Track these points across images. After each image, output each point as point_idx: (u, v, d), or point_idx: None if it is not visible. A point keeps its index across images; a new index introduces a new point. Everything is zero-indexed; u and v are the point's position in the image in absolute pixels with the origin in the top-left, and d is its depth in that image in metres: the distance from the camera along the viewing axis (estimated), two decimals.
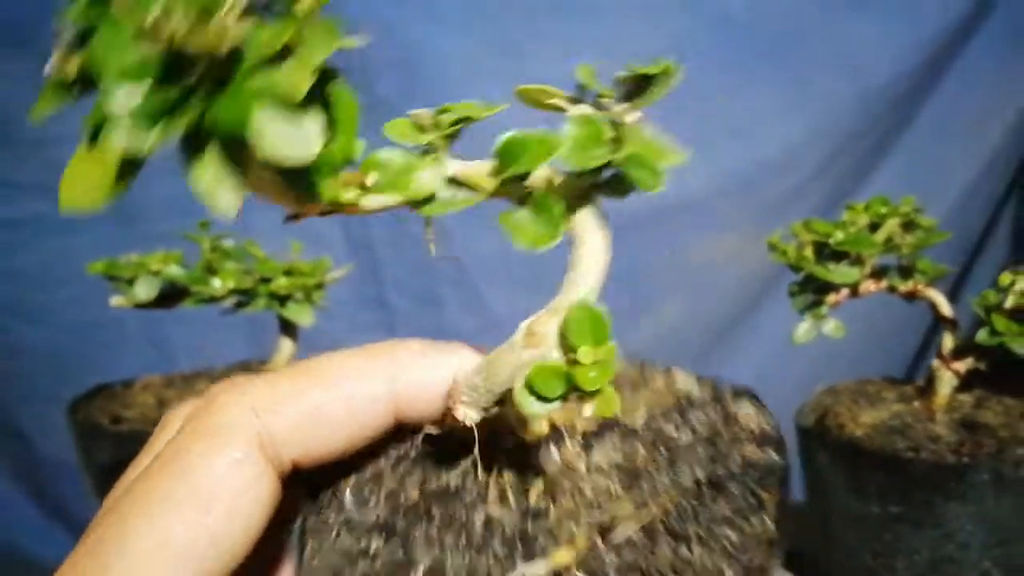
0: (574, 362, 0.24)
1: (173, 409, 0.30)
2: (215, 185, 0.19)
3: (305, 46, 0.18)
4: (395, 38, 1.34)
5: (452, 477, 0.28)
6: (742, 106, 1.35)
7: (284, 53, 0.18)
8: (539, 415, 0.25)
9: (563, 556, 0.24)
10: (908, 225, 0.63)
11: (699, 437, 0.29)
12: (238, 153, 0.18)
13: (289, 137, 0.18)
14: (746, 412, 0.30)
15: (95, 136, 0.18)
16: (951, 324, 0.64)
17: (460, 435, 0.27)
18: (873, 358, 1.62)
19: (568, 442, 0.29)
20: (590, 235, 0.26)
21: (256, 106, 0.18)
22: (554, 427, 0.29)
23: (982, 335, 0.60)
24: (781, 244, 0.63)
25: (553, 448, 0.28)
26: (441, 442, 0.28)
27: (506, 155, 0.24)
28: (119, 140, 0.18)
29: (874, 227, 0.61)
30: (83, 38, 0.18)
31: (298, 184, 0.20)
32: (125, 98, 0.17)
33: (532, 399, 0.24)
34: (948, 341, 0.64)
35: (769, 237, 0.65)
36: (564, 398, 0.24)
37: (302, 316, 0.70)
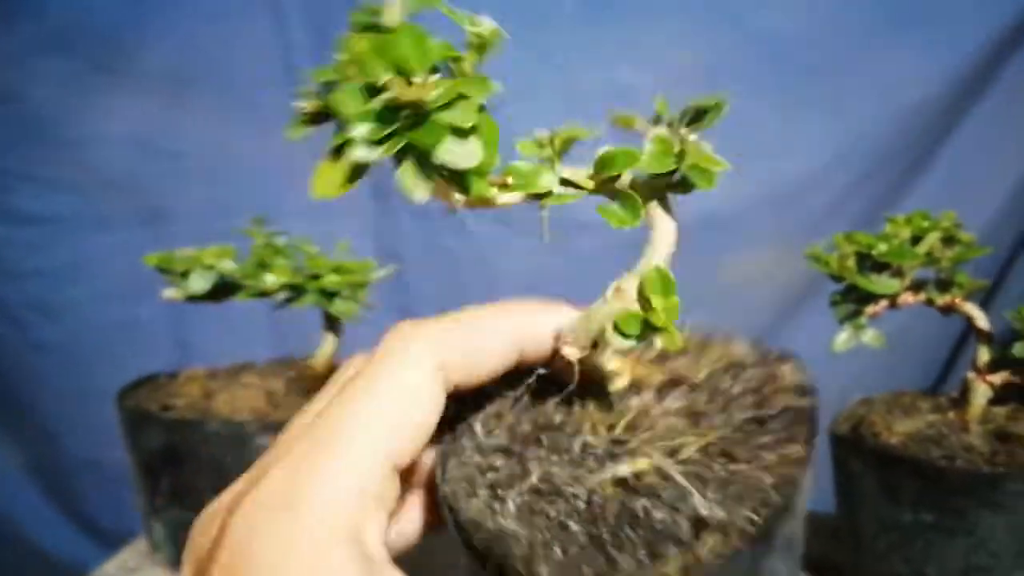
0: (649, 309, 0.34)
1: (348, 360, 0.39)
2: (413, 183, 0.29)
3: (469, 94, 0.29)
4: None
5: (556, 414, 0.38)
6: (777, 124, 1.38)
7: (457, 98, 0.28)
8: (625, 348, 0.35)
9: (641, 464, 0.34)
10: (948, 239, 0.65)
11: (748, 388, 0.39)
12: (427, 164, 0.29)
13: (461, 153, 0.29)
14: (786, 370, 0.40)
15: (337, 152, 0.29)
16: (987, 337, 0.66)
17: (562, 379, 0.37)
18: (903, 371, 1.63)
19: (644, 393, 0.39)
20: (660, 220, 0.37)
21: (443, 135, 0.28)
22: (633, 383, 0.39)
23: (1019, 348, 0.63)
24: (824, 255, 0.66)
25: (634, 397, 0.39)
26: (546, 386, 0.38)
27: (602, 163, 0.34)
28: (355, 155, 0.28)
29: (915, 240, 0.64)
30: (324, 88, 0.29)
31: (464, 184, 0.30)
32: (358, 131, 0.28)
33: (619, 337, 0.34)
34: (984, 354, 0.66)
35: (808, 249, 0.68)
36: (642, 337, 0.34)
37: (348, 313, 0.73)
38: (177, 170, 1.45)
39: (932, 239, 0.62)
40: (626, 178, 0.35)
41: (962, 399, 0.67)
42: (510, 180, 0.33)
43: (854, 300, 0.64)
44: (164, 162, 1.44)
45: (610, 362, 0.40)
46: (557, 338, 0.37)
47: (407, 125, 0.28)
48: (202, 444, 0.68)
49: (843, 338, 0.65)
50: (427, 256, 1.47)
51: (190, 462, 0.69)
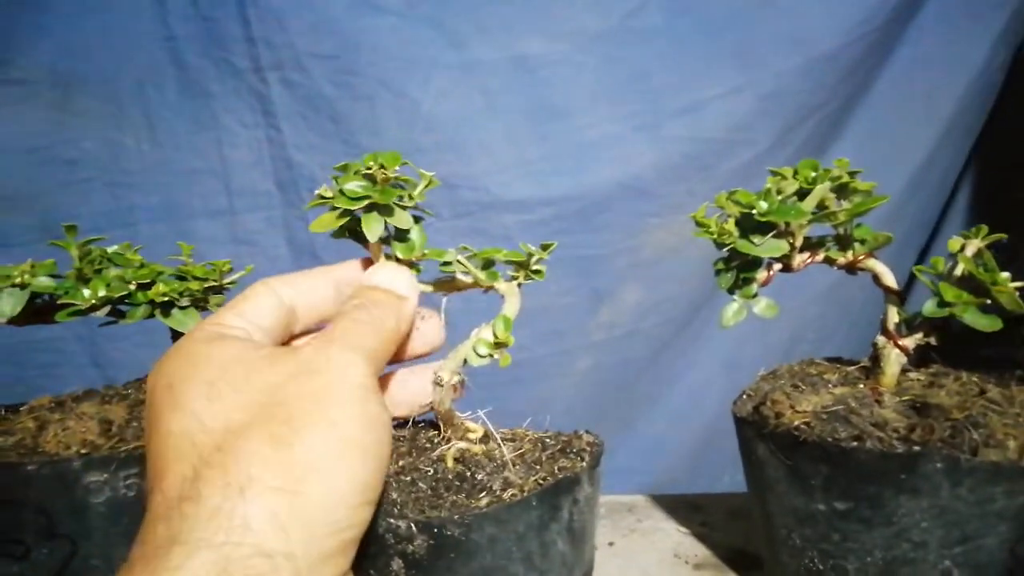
0: (496, 338, 0.54)
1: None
2: (375, 226, 0.51)
3: (413, 195, 0.54)
4: (332, 32, 1.26)
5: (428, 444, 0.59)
6: (689, 84, 1.28)
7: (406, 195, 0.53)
8: (479, 364, 0.55)
9: (475, 448, 0.58)
10: (842, 190, 0.55)
11: (560, 441, 0.60)
12: (386, 215, 0.51)
13: (403, 217, 0.52)
14: (586, 436, 0.61)
15: (333, 208, 0.50)
16: (896, 296, 0.56)
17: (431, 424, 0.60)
18: (840, 336, 1.55)
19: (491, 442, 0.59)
20: (511, 293, 0.57)
21: (394, 199, 0.51)
22: (483, 439, 0.59)
23: (929, 307, 0.53)
24: (704, 219, 0.56)
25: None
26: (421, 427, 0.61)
27: (484, 256, 0.56)
28: (342, 204, 0.49)
29: (803, 196, 0.54)
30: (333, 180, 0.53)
31: (401, 240, 0.53)
32: (351, 190, 0.50)
33: (475, 356, 0.55)
34: (893, 315, 0.56)
35: (694, 212, 0.58)
36: (490, 356, 0.55)
37: (187, 324, 0.62)
38: (73, 178, 1.32)
39: (821, 192, 0.52)
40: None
41: (874, 367, 0.57)
42: (426, 252, 0.54)
43: (740, 267, 0.54)
44: (58, 170, 1.32)
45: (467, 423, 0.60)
46: (434, 371, 0.55)
47: (377, 192, 0.50)
48: (23, 486, 0.57)
49: (732, 310, 0.55)
50: (341, 245, 1.36)
51: (10, 507, 0.58)
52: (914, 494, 0.49)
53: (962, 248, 0.55)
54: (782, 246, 0.52)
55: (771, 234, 0.52)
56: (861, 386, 0.57)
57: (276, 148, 1.32)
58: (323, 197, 0.51)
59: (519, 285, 0.59)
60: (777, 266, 0.55)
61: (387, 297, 0.51)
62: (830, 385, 0.58)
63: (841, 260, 0.56)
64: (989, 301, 0.52)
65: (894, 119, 1.37)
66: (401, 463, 0.58)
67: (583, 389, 1.42)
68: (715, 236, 0.53)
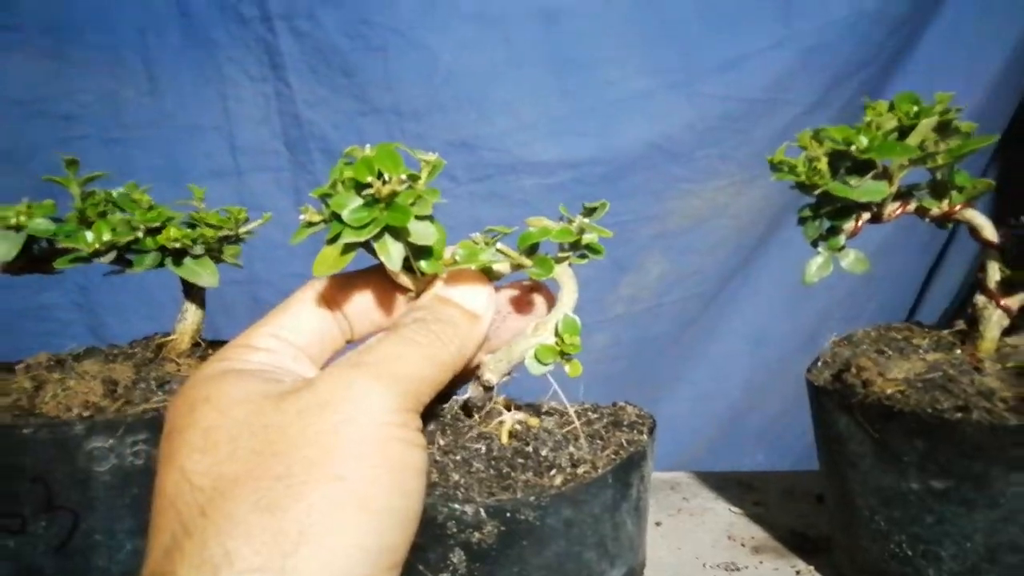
0: (563, 344, 0.44)
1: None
2: (393, 252, 0.39)
3: (426, 197, 0.40)
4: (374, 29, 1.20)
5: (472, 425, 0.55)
6: (727, 37, 1.21)
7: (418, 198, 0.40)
8: (541, 372, 0.44)
9: (532, 420, 0.56)
10: (943, 129, 0.50)
11: (605, 413, 0.59)
12: (399, 239, 0.40)
13: (423, 232, 0.39)
14: (630, 409, 0.60)
15: (334, 239, 0.39)
16: (998, 251, 0.51)
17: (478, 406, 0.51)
18: (867, 315, 1.50)
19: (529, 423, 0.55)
20: (567, 278, 0.44)
21: (409, 216, 0.39)
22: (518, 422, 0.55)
23: None
24: (788, 160, 0.50)
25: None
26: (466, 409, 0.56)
27: (524, 239, 0.43)
28: (347, 237, 0.38)
29: (903, 133, 0.48)
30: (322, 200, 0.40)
31: (425, 256, 0.41)
32: (349, 218, 0.38)
33: (536, 363, 0.44)
34: (995, 272, 0.51)
35: (772, 155, 0.52)
36: (552, 364, 0.45)
37: (201, 275, 0.57)
38: (69, 134, 1.26)
39: (925, 128, 0.47)
40: (540, 250, 0.44)
41: (971, 330, 0.52)
42: (458, 256, 0.42)
43: (830, 214, 0.49)
44: (53, 126, 1.25)
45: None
46: (478, 367, 0.45)
47: (383, 211, 0.39)
48: (18, 452, 0.52)
49: (818, 264, 0.50)
50: None
51: (4, 476, 0.53)
52: None
53: None
54: (882, 188, 0.46)
55: (870, 175, 0.46)
56: (958, 352, 0.51)
57: (284, 103, 1.26)
58: (310, 223, 0.41)
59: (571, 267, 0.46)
60: (866, 215, 0.50)
61: (459, 314, 0.41)
62: (921, 351, 0.52)
63: (935, 210, 0.51)
64: None
65: (939, 78, 1.30)
66: (442, 441, 0.53)
67: (600, 367, 1.36)
68: (803, 178, 0.47)
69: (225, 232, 0.60)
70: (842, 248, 0.49)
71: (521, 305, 0.46)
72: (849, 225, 0.50)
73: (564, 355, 0.45)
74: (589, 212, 0.46)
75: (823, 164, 0.46)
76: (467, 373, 0.46)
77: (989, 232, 0.51)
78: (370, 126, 1.24)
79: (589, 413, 0.59)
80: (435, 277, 0.42)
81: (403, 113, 1.24)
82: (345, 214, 0.39)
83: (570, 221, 0.45)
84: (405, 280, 0.42)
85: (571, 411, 0.56)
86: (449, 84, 1.23)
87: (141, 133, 1.27)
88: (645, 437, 0.54)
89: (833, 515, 0.56)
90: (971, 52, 1.33)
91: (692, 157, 1.25)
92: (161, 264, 0.56)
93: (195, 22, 1.22)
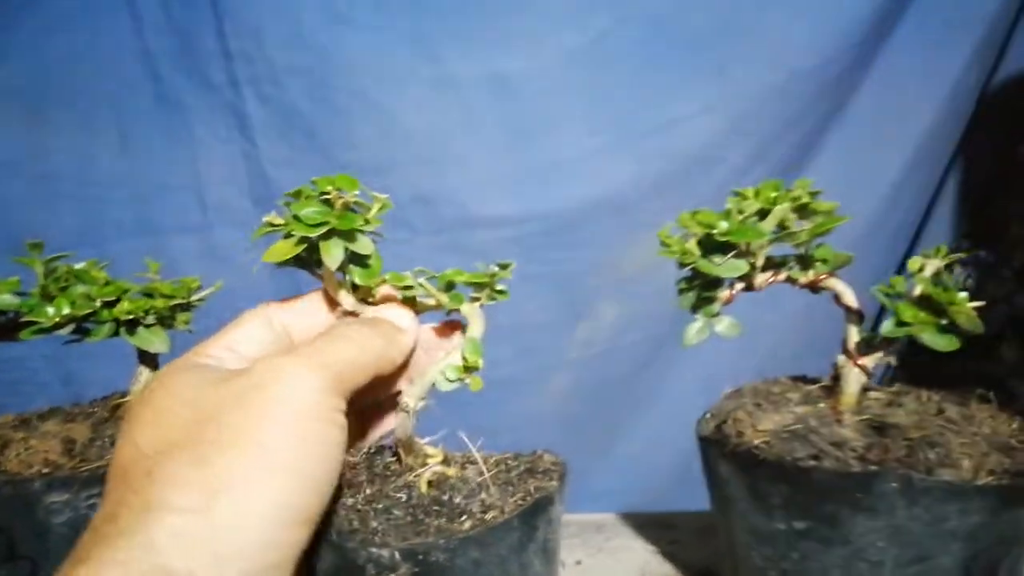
0: (466, 362, 0.54)
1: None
2: (335, 253, 0.48)
3: (372, 221, 0.51)
4: (308, 47, 1.27)
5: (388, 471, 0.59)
6: (665, 101, 1.29)
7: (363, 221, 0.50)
8: (449, 388, 0.54)
9: (449, 471, 0.58)
10: (803, 210, 0.57)
11: (523, 461, 0.62)
12: (347, 241, 0.49)
13: (363, 243, 0.50)
14: (547, 456, 0.62)
15: (288, 236, 0.48)
16: (857, 316, 0.58)
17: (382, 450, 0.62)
18: (815, 354, 1.57)
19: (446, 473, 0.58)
20: (475, 316, 0.55)
21: (357, 226, 0.49)
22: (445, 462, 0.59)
23: (888, 326, 0.54)
24: (669, 238, 0.57)
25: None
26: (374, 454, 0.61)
27: (442, 278, 0.55)
28: (300, 231, 0.47)
29: (765, 215, 0.56)
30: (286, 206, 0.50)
31: (363, 265, 0.52)
32: (309, 216, 0.47)
33: (444, 380, 0.54)
34: (854, 335, 0.58)
35: (660, 231, 0.59)
36: (460, 380, 0.54)
37: (153, 343, 0.63)
38: (45, 193, 1.33)
39: (781, 212, 0.54)
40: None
41: (835, 386, 0.59)
42: (387, 277, 0.53)
43: (702, 286, 0.56)
44: (29, 184, 1.32)
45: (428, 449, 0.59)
46: (398, 393, 0.55)
47: (335, 217, 0.48)
48: None
49: (695, 329, 0.56)
50: None
51: None
52: (870, 513, 0.51)
53: (921, 268, 0.57)
54: (742, 266, 0.53)
55: (731, 254, 0.53)
56: (822, 405, 0.58)
57: (252, 163, 1.32)
58: (272, 224, 0.50)
59: (481, 306, 0.59)
60: (740, 285, 0.57)
61: (388, 325, 0.50)
62: (792, 404, 0.59)
63: (803, 279, 0.58)
64: (946, 321, 0.53)
65: (870, 136, 1.39)
66: (368, 491, 0.58)
67: (560, 407, 1.43)
68: (677, 255, 0.54)
69: (178, 300, 0.66)
70: (716, 315, 0.56)
71: (441, 340, 0.56)
72: (724, 294, 0.57)
73: (468, 370, 0.55)
74: (503, 267, 0.57)
75: (692, 244, 0.53)
76: (390, 401, 0.55)
77: (849, 298, 0.58)
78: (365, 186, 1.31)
79: (509, 461, 0.64)
80: (365, 300, 0.53)
81: (364, 169, 1.31)
82: (302, 213, 0.48)
83: (490, 273, 0.57)
84: (341, 293, 0.53)
85: (481, 462, 0.61)
86: (407, 143, 1.31)
87: (114, 192, 1.33)
88: (554, 483, 0.59)
89: (723, 553, 0.62)
90: (905, 103, 1.41)
91: (637, 210, 1.33)
92: (116, 333, 0.62)
93: (166, 87, 1.29)
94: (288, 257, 0.50)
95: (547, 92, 1.30)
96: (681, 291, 0.56)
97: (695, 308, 0.56)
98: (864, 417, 0.56)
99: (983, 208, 1.50)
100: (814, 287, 0.58)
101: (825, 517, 0.52)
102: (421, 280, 0.56)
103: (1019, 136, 1.44)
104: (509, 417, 1.37)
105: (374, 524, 0.54)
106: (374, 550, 0.51)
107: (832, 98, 1.35)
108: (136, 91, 1.29)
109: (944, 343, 0.53)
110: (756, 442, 0.54)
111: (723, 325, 0.56)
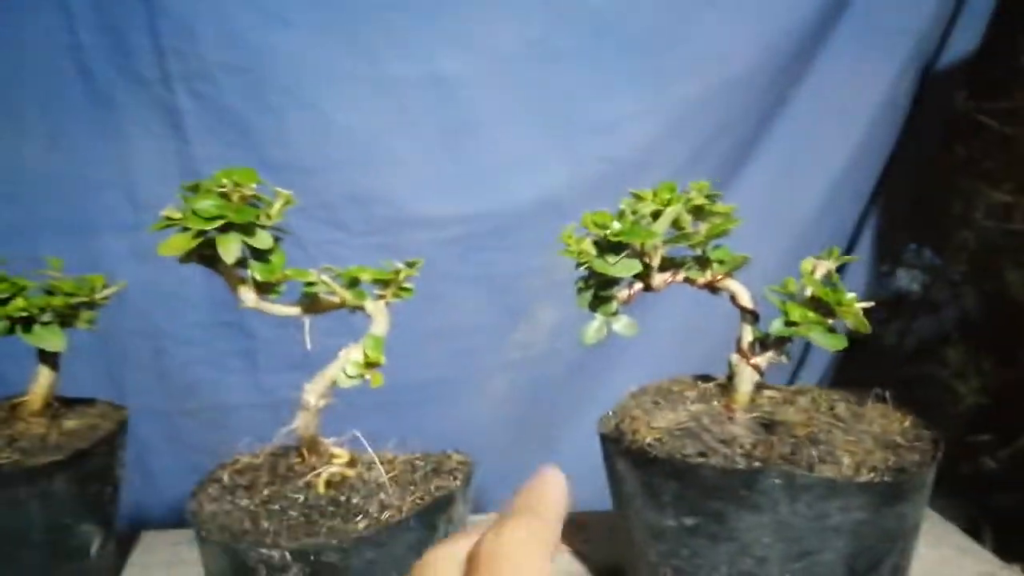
0: (367, 358, 0.55)
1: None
2: (232, 247, 0.50)
3: (273, 216, 0.54)
4: (242, 45, 1.27)
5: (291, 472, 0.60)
6: (603, 104, 1.30)
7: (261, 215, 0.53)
8: (349, 384, 0.55)
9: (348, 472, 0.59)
10: (699, 212, 0.58)
11: (430, 461, 0.63)
12: (245, 235, 0.51)
13: (263, 238, 0.52)
14: (455, 455, 0.64)
15: (185, 228, 0.50)
16: (751, 316, 0.59)
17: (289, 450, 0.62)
18: None
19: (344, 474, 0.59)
20: (379, 313, 0.57)
21: (254, 220, 0.51)
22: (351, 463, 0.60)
23: (777, 326, 0.56)
24: (570, 237, 0.58)
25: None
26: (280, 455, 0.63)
27: (345, 275, 0.58)
28: (196, 225, 0.49)
29: (659, 216, 0.56)
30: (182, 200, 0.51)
31: (262, 259, 0.53)
32: (204, 209, 0.49)
33: (344, 376, 0.55)
34: (747, 334, 0.59)
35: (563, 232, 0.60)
36: (360, 376, 0.55)
37: (48, 341, 0.62)
38: None
39: (673, 213, 0.55)
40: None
41: (730, 384, 0.60)
42: (288, 272, 0.54)
43: (598, 285, 0.56)
44: None
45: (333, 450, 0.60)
46: (304, 393, 0.56)
47: (233, 211, 0.49)
48: None
49: (593, 328, 0.57)
50: None
51: None
52: (755, 510, 0.52)
53: (812, 270, 0.58)
54: (634, 265, 0.54)
55: (624, 254, 0.54)
56: (716, 403, 0.59)
57: (184, 161, 1.31)
58: (170, 219, 0.50)
59: (387, 304, 0.59)
60: (638, 285, 0.58)
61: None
62: (688, 402, 0.60)
63: (700, 280, 0.59)
64: (832, 321, 0.54)
65: (808, 138, 1.41)
66: (266, 492, 0.58)
67: (497, 409, 1.43)
68: (574, 255, 0.55)
69: (80, 299, 0.65)
70: (615, 313, 0.57)
71: None
72: (623, 294, 0.58)
73: (369, 366, 0.55)
74: (410, 265, 0.58)
75: (588, 244, 0.54)
76: None
77: (744, 299, 0.59)
78: (266, 181, 1.30)
79: (416, 462, 0.64)
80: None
81: (297, 169, 1.30)
82: (198, 206, 0.49)
83: (395, 271, 0.58)
84: (241, 289, 0.55)
85: (378, 463, 0.60)
86: (343, 143, 1.30)
87: (44, 189, 1.31)
88: (457, 483, 0.59)
89: (623, 549, 0.63)
90: (842, 105, 1.44)
91: (574, 212, 1.33)
92: (12, 331, 0.61)
93: (97, 83, 1.28)
94: (186, 251, 0.51)
95: (484, 93, 1.30)
96: (579, 290, 0.57)
97: (593, 307, 0.57)
98: (755, 415, 0.57)
99: (927, 212, 1.53)
100: (711, 287, 0.59)
101: (712, 513, 0.53)
102: (324, 277, 0.56)
103: (956, 140, 1.48)
104: (444, 419, 1.37)
105: (266, 525, 0.54)
106: (264, 551, 0.51)
107: (768, 103, 1.37)
108: (66, 87, 1.27)
109: (832, 342, 0.54)
110: (649, 439, 0.55)
111: (620, 324, 0.57)
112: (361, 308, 0.58)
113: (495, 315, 1.39)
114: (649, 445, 0.55)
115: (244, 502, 0.57)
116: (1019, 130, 1.30)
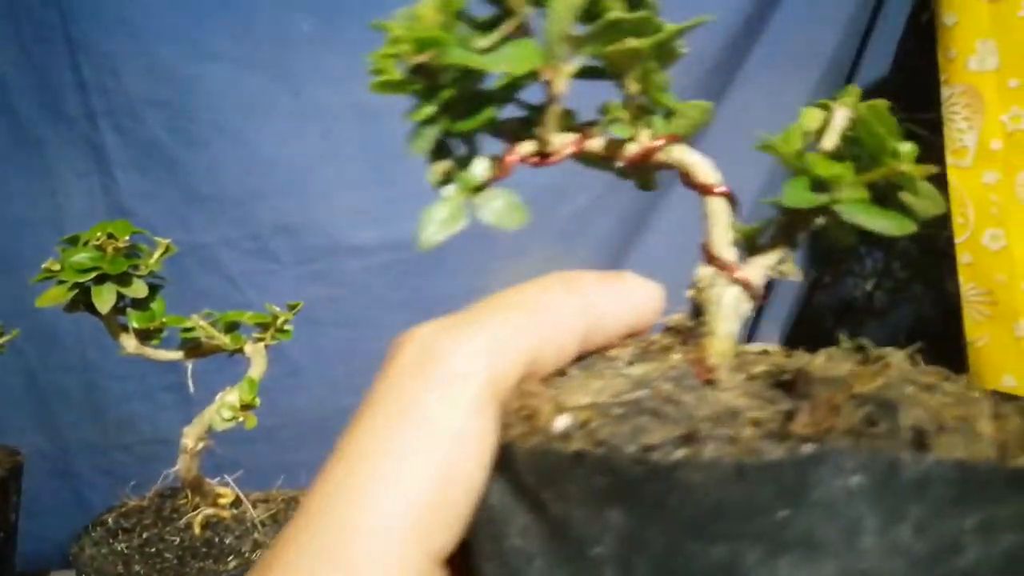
0: (242, 400, 0.47)
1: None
2: (106, 297, 0.44)
3: (153, 267, 0.47)
4: (166, 79, 0.94)
5: (174, 514, 0.57)
6: None
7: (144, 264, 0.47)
8: (224, 427, 0.47)
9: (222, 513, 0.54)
10: (665, 55, 0.24)
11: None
12: (121, 285, 0.43)
13: (140, 286, 0.46)
14: None
15: (61, 281, 0.42)
16: (726, 199, 0.23)
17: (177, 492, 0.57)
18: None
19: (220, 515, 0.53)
20: (257, 355, 0.50)
21: (128, 269, 0.44)
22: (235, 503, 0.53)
23: (794, 192, 0.21)
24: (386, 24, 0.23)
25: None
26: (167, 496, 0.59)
27: (223, 318, 0.52)
28: (70, 278, 0.42)
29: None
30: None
31: (140, 308, 0.48)
32: (78, 262, 0.43)
33: (219, 419, 0.47)
34: (721, 230, 0.24)
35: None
36: (235, 419, 0.47)
37: None
38: None
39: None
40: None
41: (695, 325, 0.25)
42: (166, 320, 0.47)
43: (456, 113, 0.21)
44: None
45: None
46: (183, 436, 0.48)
47: (107, 262, 0.45)
48: None
49: (441, 215, 0.22)
50: (181, 291, 1.00)
51: None
52: (807, 547, 0.16)
53: (827, 119, 0.24)
54: (529, 54, 0.20)
55: (505, 25, 0.20)
56: (676, 357, 0.24)
57: (111, 197, 0.96)
58: (50, 271, 0.43)
59: (266, 346, 0.51)
60: (527, 146, 0.23)
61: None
62: (619, 364, 0.24)
63: (633, 147, 0.24)
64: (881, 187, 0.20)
65: (750, 118, 1.07)
66: (145, 535, 0.50)
67: None
68: (407, 47, 0.20)
69: None
70: (481, 188, 0.22)
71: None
72: (503, 158, 0.23)
73: (244, 408, 0.46)
74: (291, 308, 0.52)
75: (430, 8, 0.19)
76: None
77: (705, 174, 0.24)
78: (194, 214, 0.96)
79: (299, 498, 0.50)
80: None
81: (225, 201, 0.96)
82: (72, 260, 0.42)
83: (274, 315, 0.49)
84: (121, 336, 0.46)
85: (247, 502, 0.51)
86: (270, 174, 0.96)
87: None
88: None
89: None
90: (781, 83, 1.10)
91: (504, 237, 0.99)
92: None
93: (21, 120, 0.93)
94: (64, 301, 0.43)
95: (409, 125, 0.98)
96: (415, 136, 0.22)
97: (446, 179, 0.22)
98: (758, 369, 0.22)
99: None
100: (645, 162, 0.25)
101: (712, 568, 0.17)
102: (202, 323, 0.49)
103: None
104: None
105: (138, 569, 0.44)
106: None
107: (716, 82, 1.04)
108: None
109: (891, 225, 0.20)
110: (560, 426, 0.20)
111: (495, 207, 0.22)
112: (240, 351, 0.51)
113: None
114: (561, 436, 0.19)
115: (121, 546, 0.48)
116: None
